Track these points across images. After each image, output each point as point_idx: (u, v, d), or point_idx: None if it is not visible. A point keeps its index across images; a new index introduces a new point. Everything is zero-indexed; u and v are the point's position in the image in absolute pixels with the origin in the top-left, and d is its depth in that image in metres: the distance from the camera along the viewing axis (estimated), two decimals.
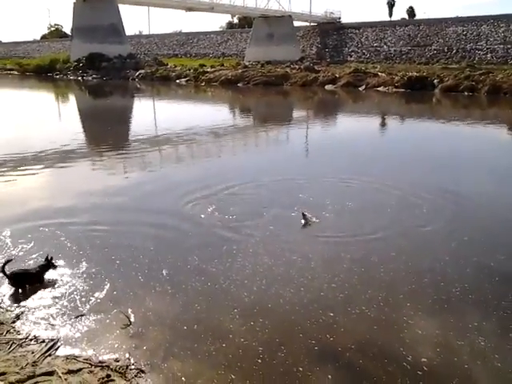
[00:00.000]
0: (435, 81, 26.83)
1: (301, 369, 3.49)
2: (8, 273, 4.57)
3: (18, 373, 3.26)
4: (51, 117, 19.64)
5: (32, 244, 5.63)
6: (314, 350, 3.72)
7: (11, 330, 3.94)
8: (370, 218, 6.55)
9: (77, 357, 3.51)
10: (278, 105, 24.95)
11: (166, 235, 6.06)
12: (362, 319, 4.11)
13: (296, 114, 21.73)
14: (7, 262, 4.63)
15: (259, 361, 3.59)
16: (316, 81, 30.80)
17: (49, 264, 4.79)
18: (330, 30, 52.78)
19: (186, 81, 35.99)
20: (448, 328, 4.00)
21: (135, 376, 3.34)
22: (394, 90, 27.13)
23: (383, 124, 17.06)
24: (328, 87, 29.61)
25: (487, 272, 4.95)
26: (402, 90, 26.78)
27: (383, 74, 29.88)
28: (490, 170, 9.43)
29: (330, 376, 3.44)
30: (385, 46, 47.95)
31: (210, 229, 6.18)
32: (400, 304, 4.37)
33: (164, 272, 4.99)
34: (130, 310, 4.23)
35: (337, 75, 30.73)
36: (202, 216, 6.61)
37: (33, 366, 3.39)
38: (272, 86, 31.24)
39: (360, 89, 28.40)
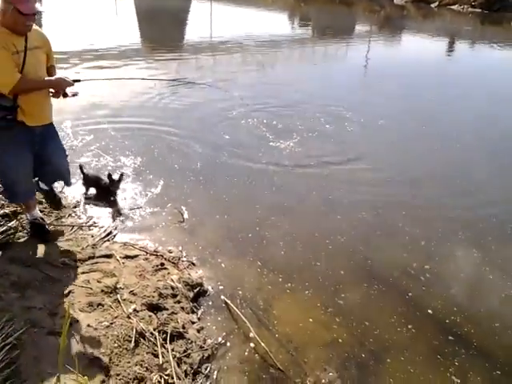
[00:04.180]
0: None
1: (318, 263, 3.81)
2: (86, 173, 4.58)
3: (79, 252, 3.50)
4: (108, 13, 19.34)
5: (92, 137, 5.86)
6: (329, 248, 4.02)
7: (72, 214, 4.20)
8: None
9: (133, 244, 3.73)
10: (340, 16, 23.39)
11: (206, 135, 6.42)
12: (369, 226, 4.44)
13: (359, 28, 20.33)
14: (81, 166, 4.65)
15: (282, 252, 3.92)
16: None
17: (120, 180, 4.47)
18: None
19: None
20: None
21: (187, 267, 3.56)
22: (470, 9, 24.62)
23: (449, 48, 15.67)
24: (397, 1, 27.23)
25: None
26: (479, 10, 24.26)
27: None
28: None
29: (342, 272, 3.74)
30: None
31: (243, 133, 6.52)
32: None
33: (199, 166, 5.41)
34: (181, 206, 4.47)
35: None
36: (242, 122, 6.90)
37: (93, 248, 3.62)
38: None
39: (432, 5, 25.95)
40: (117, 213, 4.29)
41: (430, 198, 4.96)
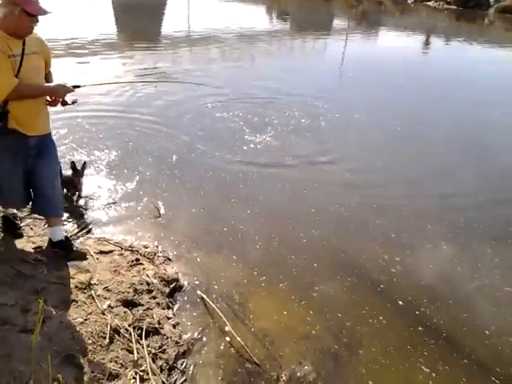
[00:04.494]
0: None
1: (293, 257, 3.87)
2: None
3: None
4: (83, 6, 18.95)
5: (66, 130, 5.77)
6: (303, 242, 4.09)
7: None
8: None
9: (108, 240, 3.70)
10: (318, 11, 23.47)
11: (182, 126, 6.49)
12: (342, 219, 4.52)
13: (337, 23, 20.45)
14: None
15: (257, 246, 3.96)
16: None
17: (83, 168, 4.25)
18: None
19: None
20: None
21: (163, 262, 3.55)
22: (445, 6, 25.03)
23: (426, 44, 15.89)
24: None
25: None
26: (454, 6, 24.68)
27: None
28: None
29: (316, 265, 3.81)
30: None
31: (219, 126, 6.59)
32: None
33: (174, 160, 5.43)
34: (157, 200, 4.46)
35: None
36: (217, 115, 6.96)
37: None
38: None
39: (409, 1, 26.31)
40: (91, 208, 4.24)
41: (402, 195, 5.05)
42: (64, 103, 3.09)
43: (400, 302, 3.43)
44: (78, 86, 3.15)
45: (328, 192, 4.96)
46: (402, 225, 4.49)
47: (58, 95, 3.00)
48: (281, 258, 3.84)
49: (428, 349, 3.02)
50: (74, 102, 3.15)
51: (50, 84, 3.01)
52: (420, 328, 3.19)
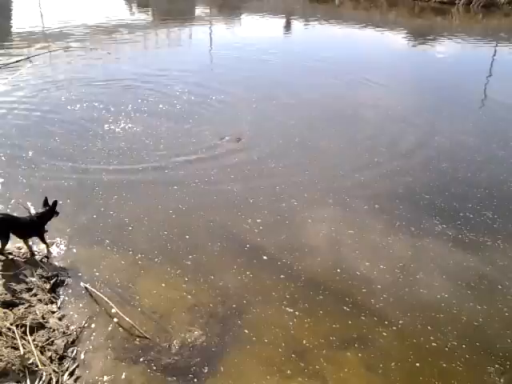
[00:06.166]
0: None
1: (165, 232, 4.13)
2: None
3: None
4: None
5: None
6: (172, 217, 4.34)
7: None
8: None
9: None
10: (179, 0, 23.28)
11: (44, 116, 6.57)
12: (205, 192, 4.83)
13: (199, 10, 20.55)
14: None
15: (130, 228, 4.18)
16: None
17: (52, 211, 3.72)
18: None
19: None
20: None
21: (40, 261, 3.58)
22: None
23: (286, 26, 16.84)
24: None
25: None
26: None
27: None
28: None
29: (187, 236, 4.10)
30: None
31: (77, 114, 6.74)
32: None
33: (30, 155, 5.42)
34: (26, 201, 4.41)
35: None
36: (71, 107, 6.98)
37: None
38: None
39: None
40: None
41: (259, 163, 5.50)
42: None
43: (264, 257, 3.86)
44: None
45: (189, 169, 5.26)
46: (257, 190, 4.90)
47: None
48: (154, 236, 4.05)
49: (289, 292, 3.48)
50: None
51: None
52: (282, 276, 3.64)
